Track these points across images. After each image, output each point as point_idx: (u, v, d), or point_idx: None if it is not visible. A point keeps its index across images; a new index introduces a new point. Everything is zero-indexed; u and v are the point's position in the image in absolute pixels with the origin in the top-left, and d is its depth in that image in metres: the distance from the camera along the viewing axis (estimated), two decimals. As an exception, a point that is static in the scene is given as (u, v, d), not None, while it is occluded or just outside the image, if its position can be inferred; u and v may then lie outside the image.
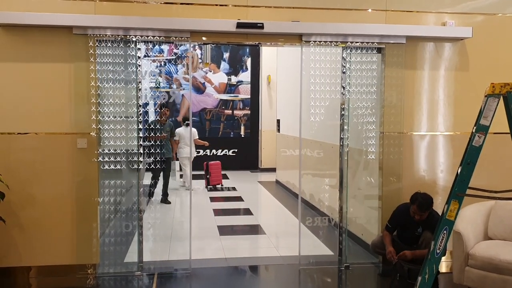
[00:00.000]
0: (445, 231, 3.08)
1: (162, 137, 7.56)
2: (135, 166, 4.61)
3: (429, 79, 4.90)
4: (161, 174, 7.95)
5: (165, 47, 11.85)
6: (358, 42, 4.72)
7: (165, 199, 8.07)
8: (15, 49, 4.30)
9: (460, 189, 3.04)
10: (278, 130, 10.42)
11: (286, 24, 4.57)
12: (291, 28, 4.58)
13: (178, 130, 8.78)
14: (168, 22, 4.42)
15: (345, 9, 4.74)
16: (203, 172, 10.09)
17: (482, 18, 4.91)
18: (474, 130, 3.05)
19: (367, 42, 4.74)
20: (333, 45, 4.74)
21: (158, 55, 11.68)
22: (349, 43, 4.73)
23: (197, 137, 9.70)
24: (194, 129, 9.74)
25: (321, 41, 4.69)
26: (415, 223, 4.42)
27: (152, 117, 7.96)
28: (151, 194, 7.70)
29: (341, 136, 4.89)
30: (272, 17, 4.61)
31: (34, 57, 4.33)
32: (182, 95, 12.35)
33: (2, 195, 4.15)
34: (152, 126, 7.19)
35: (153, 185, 7.73)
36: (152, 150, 5.04)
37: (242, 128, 12.84)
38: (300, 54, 4.78)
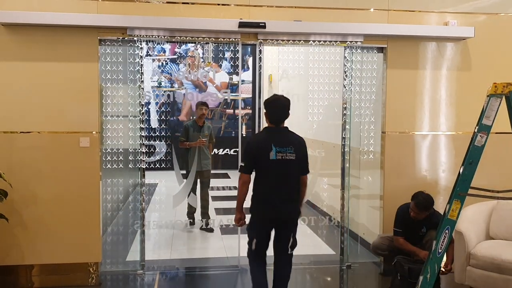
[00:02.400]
0: (447, 231, 3.09)
1: (200, 143, 5.95)
2: (138, 165, 4.61)
3: (431, 79, 4.90)
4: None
5: (166, 46, 11.83)
6: (328, 42, 4.74)
7: (206, 224, 5.51)
8: (18, 48, 4.30)
9: (462, 189, 3.05)
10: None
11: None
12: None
13: None
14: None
15: (347, 9, 4.74)
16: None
17: (485, 18, 4.91)
18: (476, 130, 3.06)
19: (352, 41, 4.76)
20: (305, 44, 4.75)
21: (159, 54, 11.65)
22: (323, 42, 4.74)
23: None
24: None
25: (283, 40, 4.70)
26: (419, 223, 4.41)
27: (154, 115, 7.55)
28: (192, 221, 5.99)
29: (343, 135, 4.90)
30: (275, 17, 4.62)
31: (36, 56, 4.34)
32: (184, 94, 12.34)
33: (5, 194, 4.16)
34: (188, 130, 6.05)
35: (192, 205, 5.91)
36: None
37: (244, 127, 12.84)
38: (257, 52, 4.78)
